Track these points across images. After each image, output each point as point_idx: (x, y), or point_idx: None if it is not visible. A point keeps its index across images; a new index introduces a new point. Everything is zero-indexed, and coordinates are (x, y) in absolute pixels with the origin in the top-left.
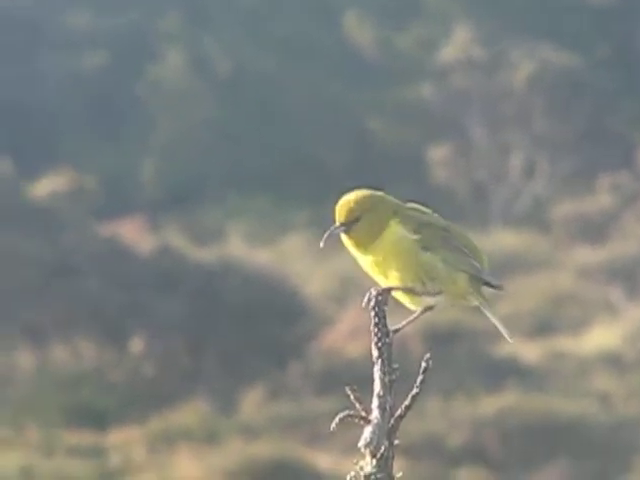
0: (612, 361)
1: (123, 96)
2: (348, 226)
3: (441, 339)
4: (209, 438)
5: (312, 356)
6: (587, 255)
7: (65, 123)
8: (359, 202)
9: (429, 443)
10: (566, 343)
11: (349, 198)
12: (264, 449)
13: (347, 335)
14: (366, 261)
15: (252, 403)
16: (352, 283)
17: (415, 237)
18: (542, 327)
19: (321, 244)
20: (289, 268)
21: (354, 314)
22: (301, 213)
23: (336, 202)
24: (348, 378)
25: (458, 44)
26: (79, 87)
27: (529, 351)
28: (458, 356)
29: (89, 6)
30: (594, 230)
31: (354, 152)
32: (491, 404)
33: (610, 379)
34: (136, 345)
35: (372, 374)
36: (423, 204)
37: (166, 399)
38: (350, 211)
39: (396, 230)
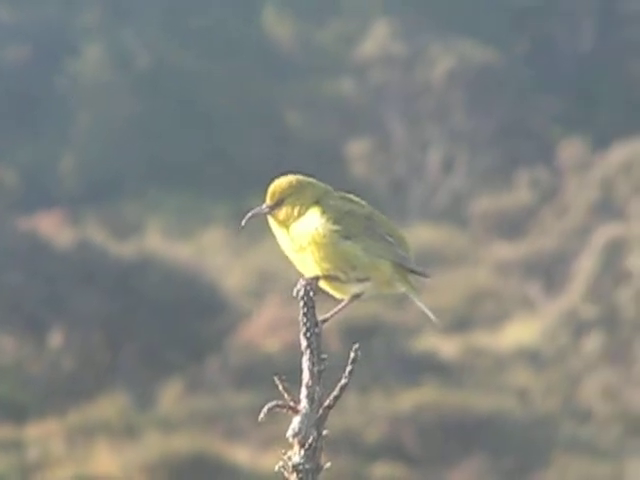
0: (530, 357)
1: (42, 90)
2: (272, 208)
3: (359, 334)
4: (128, 432)
5: (230, 350)
6: (505, 251)
7: None
8: (286, 186)
9: (346, 438)
10: (484, 339)
11: (278, 181)
12: (183, 443)
13: (265, 329)
14: (288, 247)
15: (171, 397)
16: (270, 278)
17: (334, 227)
18: (460, 323)
19: (242, 222)
20: (208, 262)
21: (272, 308)
22: (220, 208)
23: (255, 196)
24: (266, 372)
25: (377, 39)
26: None
27: (447, 347)
28: (376, 351)
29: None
30: (512, 225)
31: (273, 147)
32: (409, 399)
33: (528, 375)
34: (55, 339)
35: (290, 368)
36: (362, 194)
37: (85, 393)
38: (276, 194)
39: (313, 218)
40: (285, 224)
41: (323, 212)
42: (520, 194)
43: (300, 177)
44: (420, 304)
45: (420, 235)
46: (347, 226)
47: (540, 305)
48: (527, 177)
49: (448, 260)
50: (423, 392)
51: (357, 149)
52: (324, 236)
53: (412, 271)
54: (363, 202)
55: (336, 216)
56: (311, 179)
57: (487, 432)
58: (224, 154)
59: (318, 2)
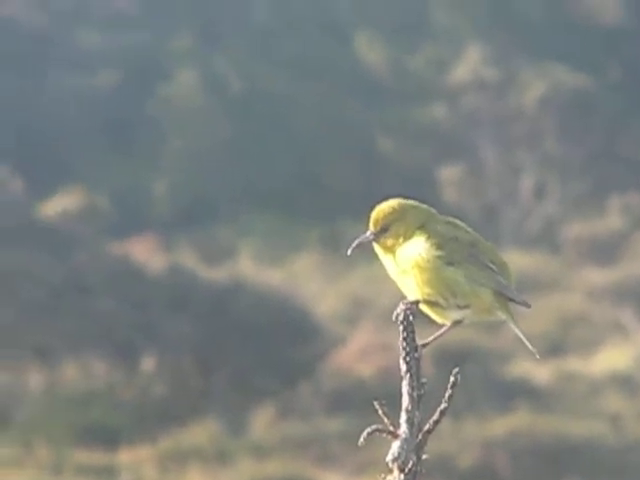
0: (622, 382)
1: (135, 115)
2: (377, 235)
3: (452, 359)
4: (220, 457)
5: (323, 376)
6: (597, 276)
7: (77, 141)
8: (389, 212)
9: (440, 464)
10: (576, 364)
11: (381, 207)
12: (274, 469)
13: (358, 355)
14: (393, 271)
15: (262, 423)
16: (363, 303)
17: (438, 253)
18: (553, 348)
19: (349, 252)
20: (300, 288)
21: (365, 334)
22: (312, 232)
23: (346, 221)
24: (359, 397)
25: (469, 64)
26: (91, 106)
27: (540, 372)
28: (469, 377)
29: (101, 24)
30: (604, 251)
31: (365, 172)
32: (502, 425)
33: (620, 400)
34: (147, 364)
35: (383, 393)
36: (460, 219)
37: (176, 418)
38: (380, 220)
39: (418, 243)
40: (391, 250)
41: (428, 237)
42: (612, 220)
43: (402, 201)
44: (519, 333)
45: (513, 261)
46: (450, 252)
47: (632, 331)
48: (619, 203)
49: (541, 285)
50: (516, 417)
51: (449, 174)
52: (427, 261)
53: (513, 300)
54: (468, 228)
55: (440, 242)
56: (413, 202)
57: (580, 458)
58: (316, 179)
59: (409, 27)
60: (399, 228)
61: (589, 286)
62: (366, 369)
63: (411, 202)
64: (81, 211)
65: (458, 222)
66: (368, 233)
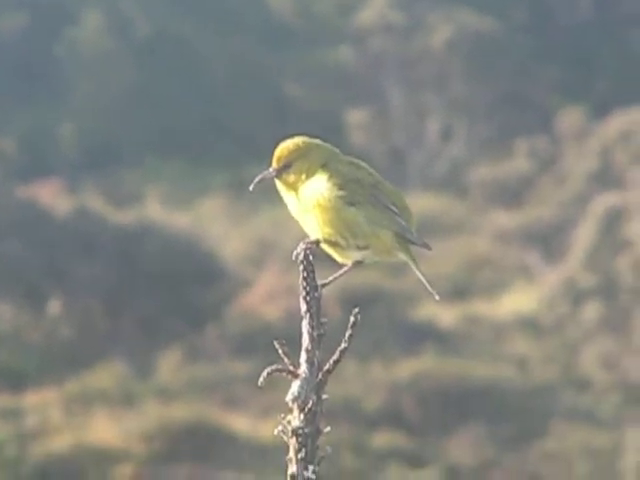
0: (528, 325)
1: (41, 59)
2: (280, 171)
3: (359, 302)
4: (126, 400)
5: (229, 319)
6: (504, 219)
7: None
8: (293, 149)
9: (346, 406)
10: (483, 307)
11: (285, 144)
12: (181, 411)
13: (264, 298)
14: (295, 209)
15: (169, 365)
16: (269, 246)
17: (339, 193)
18: (459, 291)
19: (250, 187)
20: (206, 231)
21: (270, 277)
22: (218, 176)
23: (253, 165)
24: (265, 340)
25: (375, 8)
26: None
27: (446, 315)
28: (375, 319)
29: None
30: (511, 194)
31: (272, 116)
32: (408, 368)
33: (526, 343)
34: (54, 307)
35: (290, 336)
36: (364, 161)
37: (83, 361)
38: (283, 157)
39: (320, 182)
40: (293, 187)
41: (330, 177)
42: (519, 163)
43: (306, 139)
44: (420, 276)
45: (419, 203)
46: (352, 193)
47: (539, 274)
48: (526, 146)
49: (447, 228)
50: (422, 360)
51: (356, 117)
52: (329, 200)
53: (413, 243)
54: (370, 169)
55: (342, 182)
56: (317, 141)
57: (486, 400)
58: (223, 123)
59: None
60: (302, 165)
61: (496, 229)
62: (272, 311)
63: (315, 141)
64: None
65: (361, 163)
66: (271, 169)
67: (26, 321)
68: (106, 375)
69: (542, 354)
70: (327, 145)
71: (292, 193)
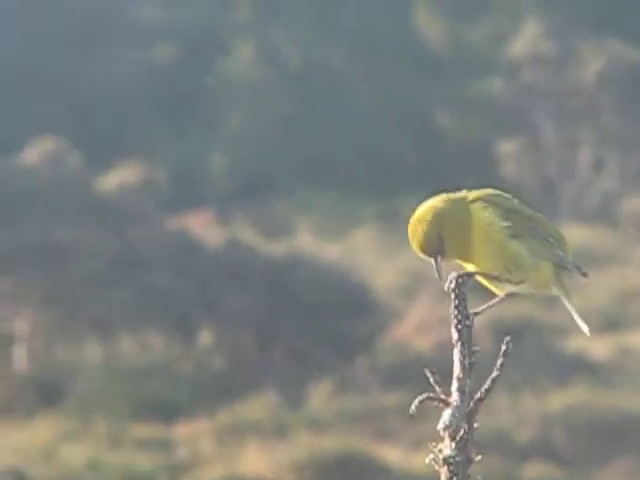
0: None
1: (193, 89)
2: (441, 252)
3: (509, 333)
4: (277, 431)
5: (380, 350)
6: None
7: (135, 116)
8: (428, 230)
9: (497, 438)
10: (635, 339)
11: (416, 239)
12: (332, 443)
13: (415, 329)
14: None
15: (320, 396)
16: (421, 277)
17: (504, 224)
18: (611, 323)
19: (442, 282)
20: (358, 262)
21: (423, 308)
22: (369, 207)
23: (403, 197)
24: (416, 371)
25: (528, 39)
26: (150, 80)
27: (598, 347)
28: (527, 351)
29: None
30: None
31: (422, 146)
32: (559, 399)
33: None
34: (205, 338)
35: (441, 366)
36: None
37: (235, 392)
38: (426, 249)
39: (483, 216)
40: (462, 253)
41: (489, 208)
42: None
43: (427, 209)
44: (572, 310)
45: (571, 235)
46: (514, 224)
47: None
48: None
49: (598, 260)
50: (574, 392)
51: (507, 148)
52: (495, 233)
53: (570, 270)
54: (516, 199)
55: (502, 213)
56: (433, 200)
57: (638, 432)
58: (373, 154)
59: (469, 0)
60: (451, 231)
61: None
62: (423, 343)
63: (437, 203)
64: (139, 185)
65: (507, 195)
66: (432, 262)
67: (177, 352)
68: (257, 406)
69: None
70: (453, 195)
71: (466, 257)
